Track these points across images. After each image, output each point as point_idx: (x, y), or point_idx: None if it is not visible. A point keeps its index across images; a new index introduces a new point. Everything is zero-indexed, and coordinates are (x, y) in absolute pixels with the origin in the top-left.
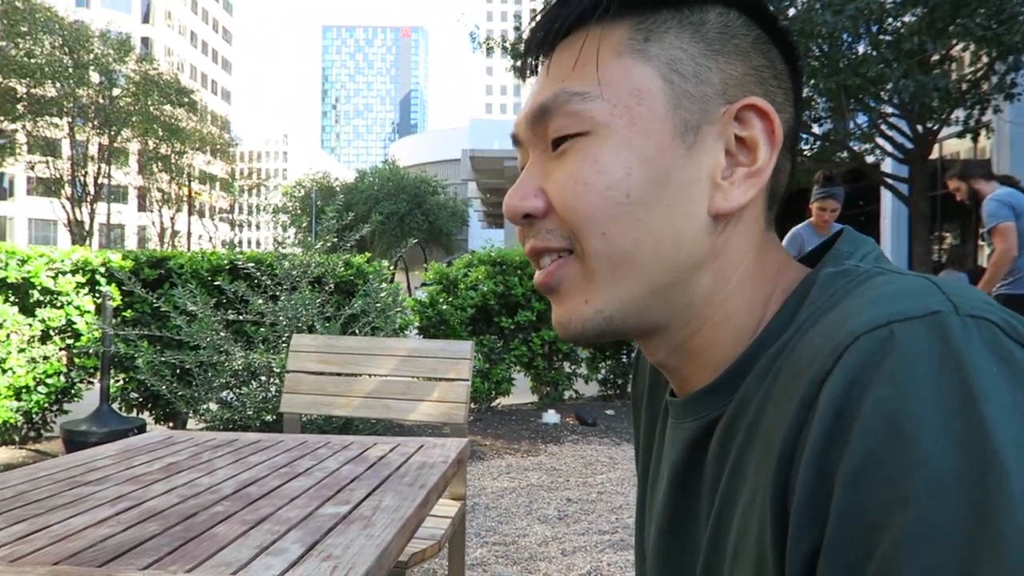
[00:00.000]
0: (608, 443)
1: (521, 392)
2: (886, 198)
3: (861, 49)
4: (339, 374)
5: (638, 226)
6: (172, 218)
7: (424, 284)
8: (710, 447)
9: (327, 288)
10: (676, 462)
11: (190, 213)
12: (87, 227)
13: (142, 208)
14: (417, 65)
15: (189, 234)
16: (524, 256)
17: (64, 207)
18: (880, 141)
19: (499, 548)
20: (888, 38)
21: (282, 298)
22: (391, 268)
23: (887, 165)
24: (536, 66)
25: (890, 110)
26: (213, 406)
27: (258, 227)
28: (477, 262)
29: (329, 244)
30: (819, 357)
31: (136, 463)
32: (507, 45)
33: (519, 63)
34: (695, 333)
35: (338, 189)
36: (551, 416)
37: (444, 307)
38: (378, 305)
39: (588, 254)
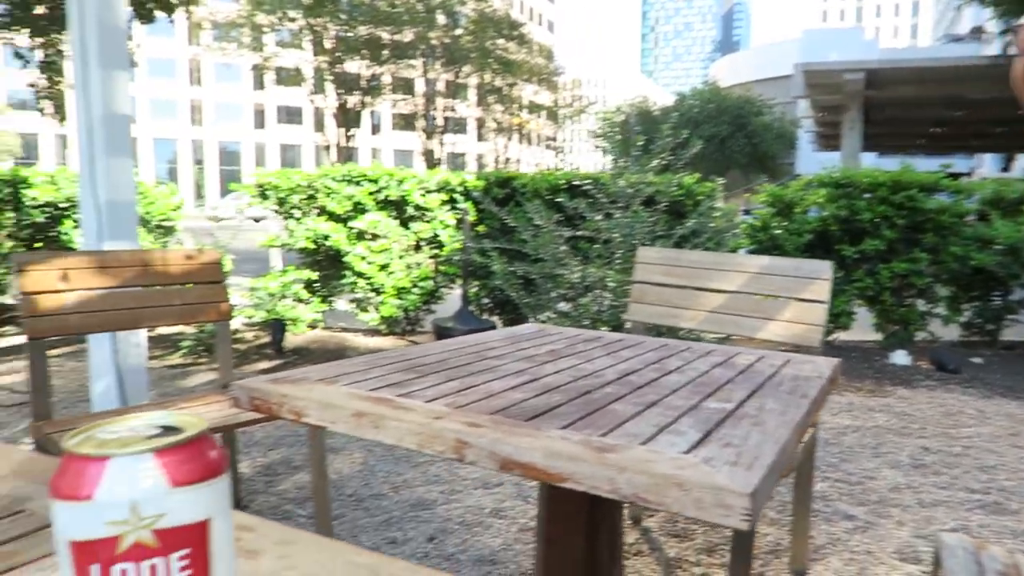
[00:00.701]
0: (974, 394)
1: (861, 328)
2: None
3: None
4: (684, 287)
5: None
6: (505, 146)
7: (746, 211)
8: None
9: (659, 208)
10: None
11: (520, 141)
12: (436, 156)
13: (480, 138)
14: None
15: (519, 161)
16: (873, 178)
17: (420, 138)
18: None
19: (842, 486)
20: None
21: (616, 215)
22: (721, 191)
23: None
24: None
25: None
26: (552, 315)
27: (579, 153)
28: (817, 184)
29: (664, 163)
30: None
31: (523, 347)
32: None
33: None
34: None
35: (656, 113)
36: (900, 357)
37: (777, 231)
38: (712, 225)
39: None
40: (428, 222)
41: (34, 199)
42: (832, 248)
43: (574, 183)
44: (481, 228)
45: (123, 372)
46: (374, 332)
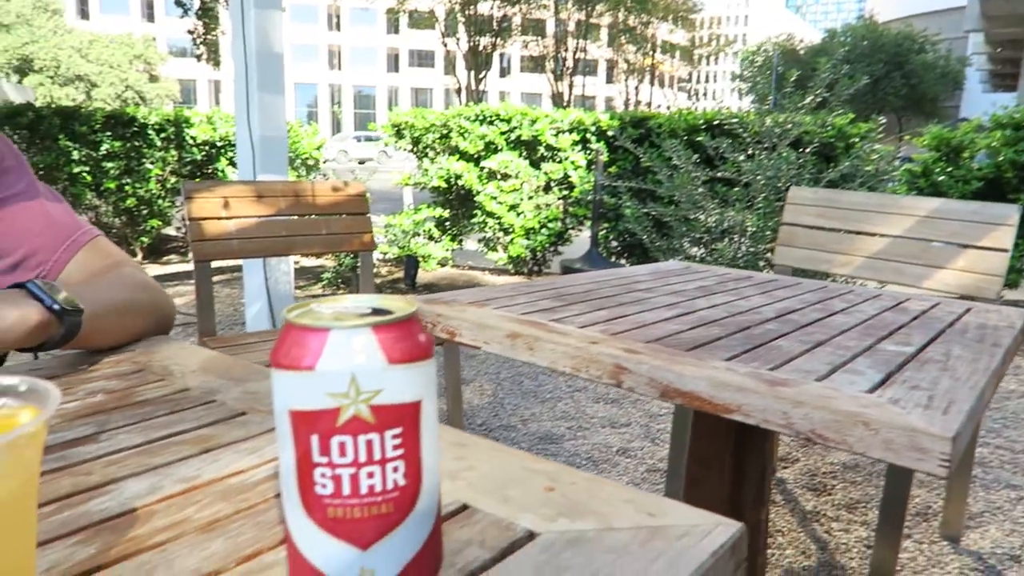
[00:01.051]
0: None
1: None
2: None
3: None
4: (839, 230)
5: None
6: (636, 88)
7: (904, 158)
8: None
9: (807, 150)
10: None
11: (652, 83)
12: (565, 99)
13: (609, 80)
14: None
15: (649, 103)
16: None
17: (548, 80)
18: None
19: (1003, 452)
20: None
21: (761, 156)
22: (879, 132)
23: None
24: None
25: None
26: (684, 259)
27: (714, 96)
28: (993, 125)
29: (819, 101)
30: None
31: (671, 282)
32: None
33: None
34: None
35: (802, 53)
36: None
37: (940, 178)
38: (868, 169)
39: None
40: (559, 162)
41: (194, 138)
42: (1005, 197)
43: (715, 123)
44: (613, 169)
45: (273, 297)
46: (501, 271)
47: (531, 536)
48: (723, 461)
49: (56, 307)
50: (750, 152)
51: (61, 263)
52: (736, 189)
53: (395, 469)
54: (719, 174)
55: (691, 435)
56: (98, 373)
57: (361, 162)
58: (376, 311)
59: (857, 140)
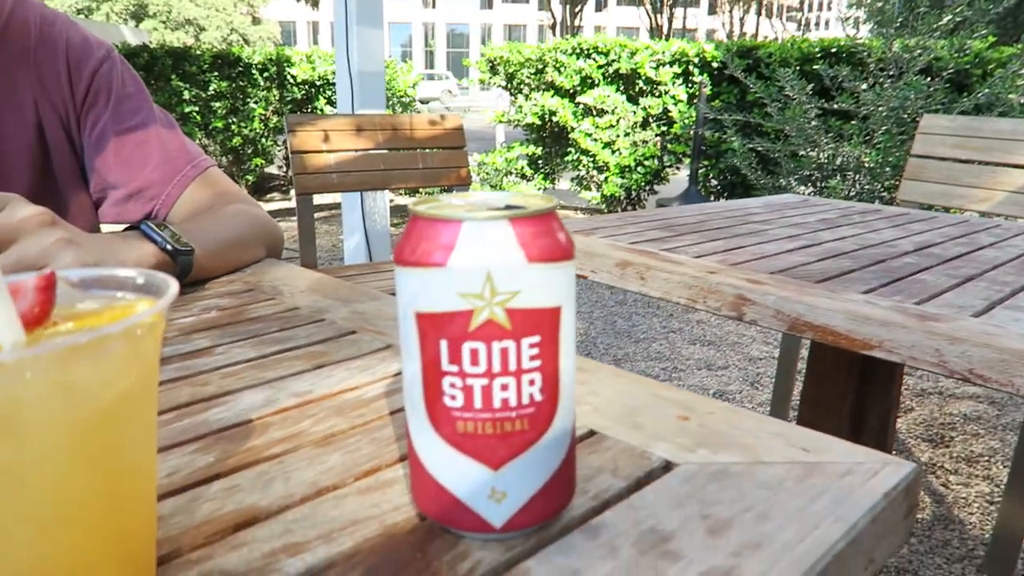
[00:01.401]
0: None
1: None
2: None
3: None
4: (979, 162)
5: None
6: (741, 19)
7: None
8: None
9: (940, 77)
10: None
11: (758, 13)
12: (664, 32)
13: (712, 11)
14: None
15: (755, 36)
16: None
17: (647, 13)
18: None
19: None
20: None
21: (886, 85)
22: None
23: None
24: None
25: None
26: None
27: (827, 25)
28: None
29: (957, 20)
30: None
31: (789, 215)
32: None
33: None
34: None
35: None
36: None
37: None
38: (1011, 97)
39: None
40: (658, 97)
41: (294, 77)
42: None
43: (832, 50)
44: (716, 104)
45: (370, 234)
46: (594, 211)
47: (668, 466)
48: (841, 405)
49: (169, 247)
50: (872, 82)
51: (172, 197)
52: (853, 123)
53: (531, 382)
54: (834, 106)
55: (807, 376)
56: (211, 292)
57: (424, 102)
58: (510, 206)
59: (997, 67)
